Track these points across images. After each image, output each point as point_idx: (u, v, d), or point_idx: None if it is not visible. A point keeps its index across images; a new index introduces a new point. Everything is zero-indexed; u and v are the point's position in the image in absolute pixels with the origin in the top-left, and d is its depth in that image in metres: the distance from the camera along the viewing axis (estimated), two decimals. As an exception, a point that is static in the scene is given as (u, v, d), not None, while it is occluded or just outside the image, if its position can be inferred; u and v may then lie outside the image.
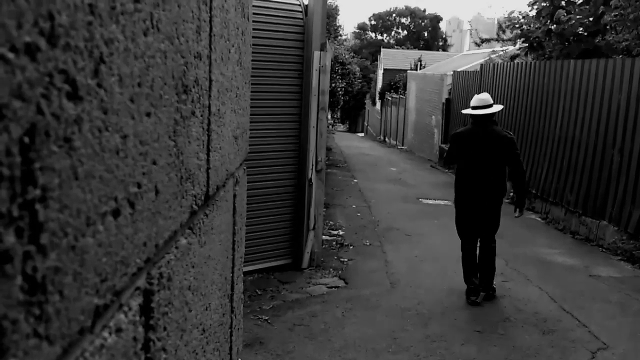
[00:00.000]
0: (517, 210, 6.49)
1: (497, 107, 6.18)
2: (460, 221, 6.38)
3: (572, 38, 12.36)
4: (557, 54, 12.57)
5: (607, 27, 11.34)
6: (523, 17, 13.75)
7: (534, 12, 13.06)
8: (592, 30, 11.90)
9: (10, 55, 0.42)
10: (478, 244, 6.38)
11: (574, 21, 12.07)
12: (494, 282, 6.43)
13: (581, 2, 12.24)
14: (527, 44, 13.69)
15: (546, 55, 12.83)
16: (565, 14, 12.19)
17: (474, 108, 6.09)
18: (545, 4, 12.46)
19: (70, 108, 0.51)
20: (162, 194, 0.78)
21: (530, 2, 12.87)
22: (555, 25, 12.54)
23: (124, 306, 0.67)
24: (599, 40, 11.71)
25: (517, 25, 13.69)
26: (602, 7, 11.56)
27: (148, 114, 0.72)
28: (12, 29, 0.42)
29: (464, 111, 6.78)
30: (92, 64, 0.55)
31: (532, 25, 13.38)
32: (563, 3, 12.28)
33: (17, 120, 0.43)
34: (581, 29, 12.13)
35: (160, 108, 0.76)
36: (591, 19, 11.76)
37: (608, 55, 10.99)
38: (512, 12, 13.97)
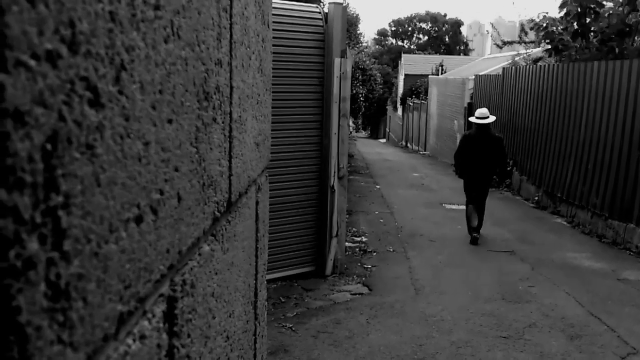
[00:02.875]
0: (499, 181, 9.96)
1: (492, 118, 9.20)
2: (467, 189, 9.29)
3: (597, 40, 12.20)
4: (583, 55, 12.42)
5: (633, 29, 11.19)
6: (547, 19, 13.58)
7: (562, 14, 12.88)
8: (619, 33, 11.73)
9: (32, 63, 0.43)
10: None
11: (600, 23, 11.92)
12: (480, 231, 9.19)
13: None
14: (552, 46, 13.53)
15: (572, 58, 12.67)
16: (592, 15, 12.05)
17: (478, 118, 9.00)
18: (574, 4, 12.29)
19: (92, 115, 0.51)
20: (184, 200, 0.78)
21: (560, 4, 12.71)
22: (581, 28, 12.39)
23: (148, 313, 0.67)
24: (626, 43, 11.55)
25: (542, 27, 13.54)
26: (626, 6, 11.41)
27: (170, 121, 0.72)
28: (33, 36, 0.43)
29: (471, 119, 9.32)
30: (114, 71, 0.56)
31: (557, 28, 13.23)
32: (592, 5, 12.10)
33: (39, 127, 0.44)
34: (607, 30, 11.97)
35: (182, 115, 0.77)
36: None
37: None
38: (541, 13, 13.81)
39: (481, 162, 8.94)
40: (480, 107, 17.14)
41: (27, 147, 0.42)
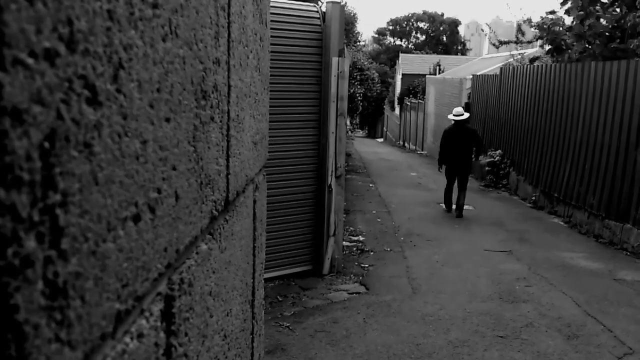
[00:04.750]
0: (475, 159, 11.50)
1: (466, 115, 11.13)
2: (448, 174, 11.20)
3: (597, 40, 12.20)
4: (581, 55, 12.43)
5: (630, 30, 11.20)
6: (551, 17, 13.59)
7: (563, 10, 12.88)
8: (619, 33, 11.75)
9: (30, 61, 0.43)
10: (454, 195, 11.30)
11: (602, 22, 11.93)
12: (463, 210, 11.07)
13: (610, 3, 12.07)
14: (552, 46, 13.53)
15: (572, 59, 12.68)
16: (594, 13, 12.06)
17: (455, 116, 10.97)
18: (575, 4, 12.29)
19: (90, 113, 0.51)
20: (182, 199, 0.78)
21: (562, 1, 12.72)
22: (582, 28, 12.40)
23: (146, 311, 0.67)
24: (625, 43, 11.55)
25: (544, 27, 13.55)
26: (625, 7, 11.42)
27: (167, 120, 0.72)
28: (31, 34, 0.43)
29: (449, 117, 11.33)
30: (112, 69, 0.56)
31: (559, 27, 13.24)
32: (593, 7, 12.11)
33: (37, 125, 0.44)
34: (607, 30, 11.98)
35: (180, 114, 0.77)
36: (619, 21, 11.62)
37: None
38: (552, 11, 13.78)
39: (460, 151, 10.85)
40: (479, 107, 17.30)
41: (25, 145, 0.42)
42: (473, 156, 11.17)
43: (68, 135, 0.48)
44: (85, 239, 0.51)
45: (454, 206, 11.17)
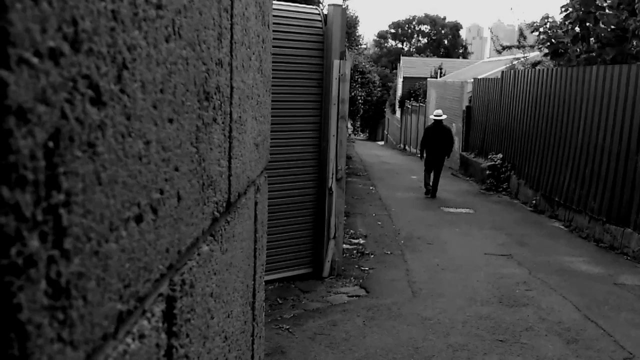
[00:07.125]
0: (446, 158, 13.70)
1: (444, 116, 13.79)
2: (426, 164, 13.64)
3: (598, 44, 12.20)
4: (582, 60, 12.44)
5: (635, 32, 11.19)
6: (550, 21, 13.64)
7: (562, 16, 12.91)
8: (619, 37, 11.74)
9: (35, 60, 0.43)
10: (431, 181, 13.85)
11: (602, 26, 11.92)
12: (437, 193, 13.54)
13: (609, 6, 12.05)
14: (551, 50, 13.57)
15: (572, 62, 12.68)
16: (593, 19, 12.05)
17: (436, 116, 13.57)
18: (575, 7, 12.30)
19: (93, 113, 0.51)
20: (184, 200, 0.78)
21: (562, 5, 12.76)
22: (582, 32, 12.40)
23: (147, 312, 0.67)
24: (626, 47, 11.54)
25: (544, 31, 13.60)
26: (625, 11, 11.42)
27: (170, 121, 0.72)
28: (36, 33, 0.43)
29: (431, 117, 14.07)
30: (115, 69, 0.56)
31: (557, 31, 13.27)
32: (593, 9, 12.09)
33: (42, 124, 0.44)
34: (607, 35, 11.97)
35: (183, 115, 0.77)
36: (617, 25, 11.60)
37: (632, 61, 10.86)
38: (547, 16, 13.86)
39: (436, 145, 13.30)
40: (480, 111, 17.36)
41: (29, 144, 0.42)
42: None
43: (72, 135, 0.48)
44: (88, 239, 0.51)
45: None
